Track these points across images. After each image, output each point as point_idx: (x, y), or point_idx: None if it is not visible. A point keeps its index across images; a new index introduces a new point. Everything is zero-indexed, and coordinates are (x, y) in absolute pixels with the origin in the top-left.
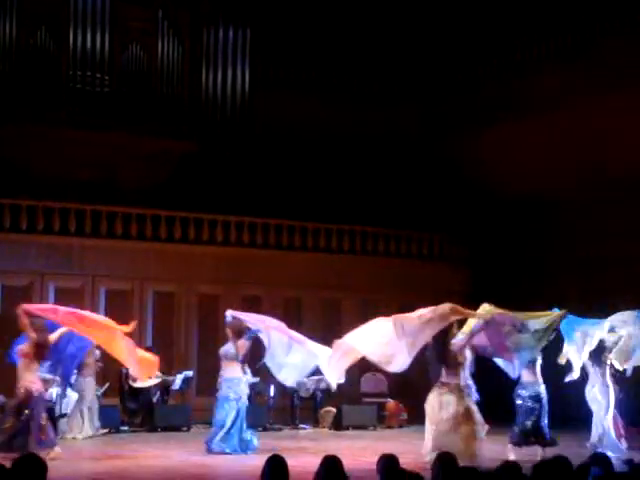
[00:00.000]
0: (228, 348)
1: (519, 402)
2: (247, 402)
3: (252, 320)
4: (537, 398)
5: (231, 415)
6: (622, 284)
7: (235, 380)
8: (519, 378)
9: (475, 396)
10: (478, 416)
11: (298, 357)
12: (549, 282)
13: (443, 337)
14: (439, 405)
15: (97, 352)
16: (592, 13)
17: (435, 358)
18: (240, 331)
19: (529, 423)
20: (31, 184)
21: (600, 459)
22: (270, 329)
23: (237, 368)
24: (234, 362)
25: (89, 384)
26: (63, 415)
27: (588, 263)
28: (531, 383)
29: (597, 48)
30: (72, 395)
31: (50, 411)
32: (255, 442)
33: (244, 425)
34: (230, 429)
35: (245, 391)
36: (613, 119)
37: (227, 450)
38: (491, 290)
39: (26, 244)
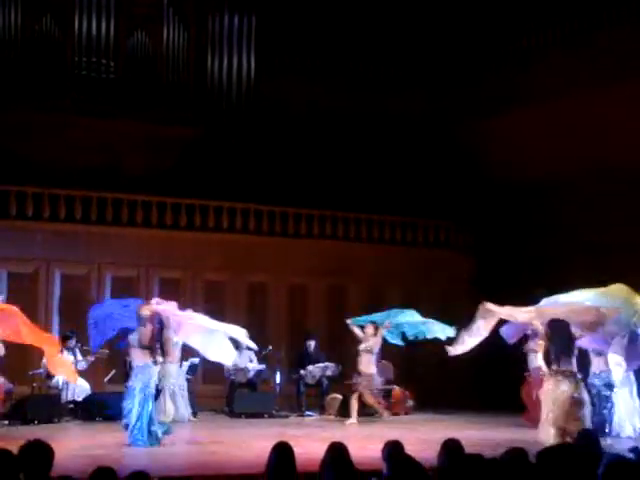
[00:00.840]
0: (133, 335)
1: (593, 392)
2: (153, 391)
3: (171, 314)
4: (610, 386)
5: (137, 407)
6: (628, 271)
7: (140, 368)
8: (589, 368)
9: (379, 381)
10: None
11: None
12: (554, 269)
13: (567, 328)
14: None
15: None
16: (598, 1)
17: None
18: (140, 317)
19: (606, 412)
20: (36, 171)
21: (586, 438)
22: (184, 325)
23: (142, 355)
24: (138, 349)
25: (171, 370)
26: (71, 402)
27: (593, 250)
28: (603, 372)
29: (603, 37)
30: (83, 383)
31: (56, 398)
32: (160, 435)
33: (153, 416)
34: (137, 422)
35: (151, 379)
36: (619, 109)
37: (139, 444)
38: (496, 278)
39: (32, 231)
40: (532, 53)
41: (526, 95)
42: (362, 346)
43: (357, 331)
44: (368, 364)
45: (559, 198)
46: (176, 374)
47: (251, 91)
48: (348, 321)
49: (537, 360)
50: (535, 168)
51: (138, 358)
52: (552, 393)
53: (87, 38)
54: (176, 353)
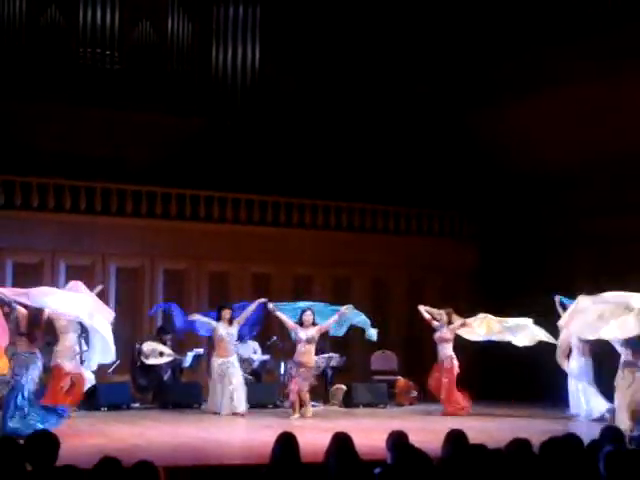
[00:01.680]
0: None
1: None
2: (22, 381)
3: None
4: None
5: (13, 395)
6: (633, 263)
7: (16, 356)
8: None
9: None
10: None
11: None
12: (558, 261)
13: None
14: None
15: None
16: None
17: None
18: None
19: None
20: (41, 162)
21: (613, 434)
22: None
23: (20, 342)
24: (17, 336)
25: (217, 364)
26: None
27: (598, 242)
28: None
29: (611, 27)
30: (87, 374)
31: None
32: (13, 427)
33: (10, 407)
34: (16, 409)
35: (22, 370)
36: (624, 99)
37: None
38: (501, 268)
39: (37, 222)
40: (542, 43)
41: (532, 86)
42: (303, 335)
43: (285, 318)
44: (310, 355)
45: (565, 189)
46: (230, 367)
47: (255, 82)
48: (270, 305)
49: (448, 349)
50: (541, 158)
51: (18, 346)
52: (628, 382)
53: (92, 29)
54: (229, 346)
